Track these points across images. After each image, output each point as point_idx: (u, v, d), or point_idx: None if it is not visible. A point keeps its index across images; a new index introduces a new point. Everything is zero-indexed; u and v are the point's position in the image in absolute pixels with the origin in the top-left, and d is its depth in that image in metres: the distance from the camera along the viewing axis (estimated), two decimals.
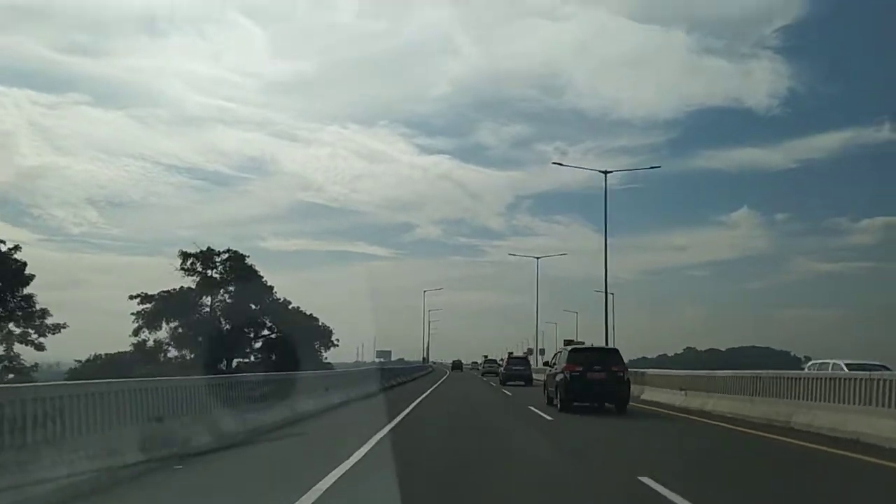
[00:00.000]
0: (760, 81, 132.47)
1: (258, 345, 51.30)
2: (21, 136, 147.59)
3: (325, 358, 55.23)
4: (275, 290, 52.02)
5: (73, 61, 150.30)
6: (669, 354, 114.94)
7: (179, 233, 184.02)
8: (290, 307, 52.75)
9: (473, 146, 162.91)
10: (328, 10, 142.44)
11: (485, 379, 45.60)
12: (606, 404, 16.33)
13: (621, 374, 16.10)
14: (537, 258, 54.79)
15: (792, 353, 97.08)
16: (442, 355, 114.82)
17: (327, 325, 55.57)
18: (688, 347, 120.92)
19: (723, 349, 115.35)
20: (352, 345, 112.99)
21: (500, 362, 49.31)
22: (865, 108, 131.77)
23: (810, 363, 21.49)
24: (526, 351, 63.08)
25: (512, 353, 44.87)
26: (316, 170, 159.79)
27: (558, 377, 16.55)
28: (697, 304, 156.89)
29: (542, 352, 67.28)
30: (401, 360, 70.47)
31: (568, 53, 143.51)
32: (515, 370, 36.08)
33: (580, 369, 16.07)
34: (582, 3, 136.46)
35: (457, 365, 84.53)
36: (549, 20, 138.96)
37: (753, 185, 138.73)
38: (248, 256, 50.14)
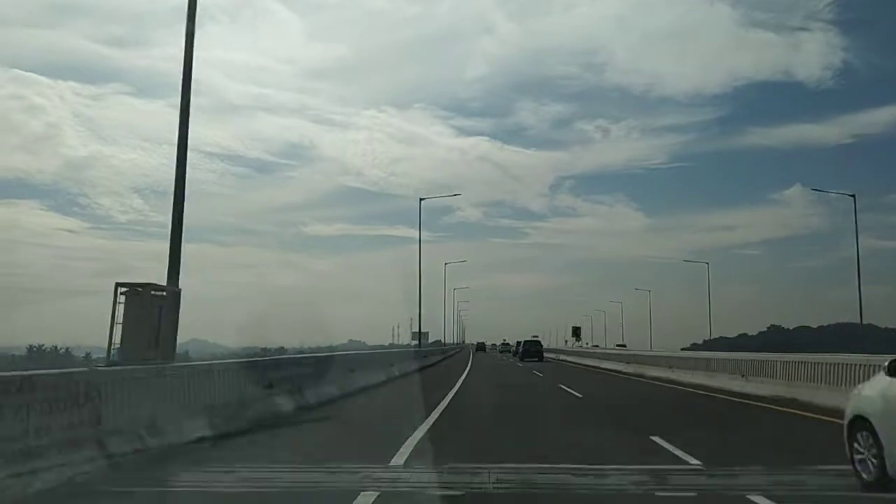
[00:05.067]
0: (812, 54, 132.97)
1: None
2: (67, 128, 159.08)
3: None
4: None
5: (114, 53, 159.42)
6: (751, 333, 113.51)
7: (224, 220, 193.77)
8: None
9: (513, 126, 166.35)
10: None
11: (500, 354, 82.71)
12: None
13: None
14: None
15: None
16: (478, 336, 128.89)
17: None
18: (772, 325, 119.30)
19: (814, 326, 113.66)
20: (388, 326, 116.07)
21: (512, 345, 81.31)
22: None
23: None
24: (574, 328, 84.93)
25: (536, 336, 71.44)
26: (354, 154, 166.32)
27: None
28: (754, 283, 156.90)
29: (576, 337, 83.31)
30: (437, 343, 72.48)
31: (608, 28, 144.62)
32: (531, 349, 54.76)
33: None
34: None
35: (480, 347, 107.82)
36: None
37: (807, 162, 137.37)
38: None
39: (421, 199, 39.41)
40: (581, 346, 68.54)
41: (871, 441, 6.23)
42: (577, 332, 79.83)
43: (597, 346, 78.77)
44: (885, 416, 6.06)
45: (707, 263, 63.72)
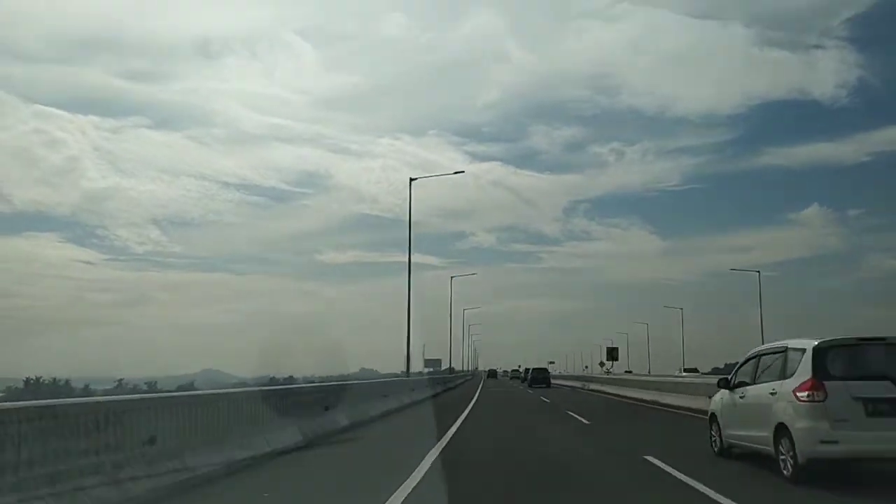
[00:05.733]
0: (827, 72, 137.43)
1: None
2: (86, 161, 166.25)
3: None
4: None
5: (133, 87, 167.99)
6: None
7: (239, 249, 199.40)
8: None
9: (526, 151, 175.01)
10: (376, 24, 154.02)
11: (510, 381, 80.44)
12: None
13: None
14: None
15: None
16: (492, 363, 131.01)
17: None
18: None
19: None
20: (402, 354, 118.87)
21: (522, 372, 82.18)
22: None
23: None
24: (599, 363, 76.70)
25: (552, 361, 73.34)
26: (369, 182, 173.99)
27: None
28: (773, 305, 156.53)
29: (602, 363, 74.91)
30: (448, 370, 74.84)
31: (621, 52, 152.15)
32: (538, 376, 55.79)
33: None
34: (633, 1, 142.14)
35: (492, 373, 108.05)
36: (600, 20, 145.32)
37: (824, 181, 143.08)
38: None
39: (411, 179, 32.83)
40: (609, 372, 59.00)
41: (714, 427, 10.48)
42: (613, 354, 67.33)
43: (629, 371, 69.11)
44: (721, 411, 10.29)
45: (758, 272, 58.72)
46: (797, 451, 7.74)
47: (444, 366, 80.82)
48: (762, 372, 9.15)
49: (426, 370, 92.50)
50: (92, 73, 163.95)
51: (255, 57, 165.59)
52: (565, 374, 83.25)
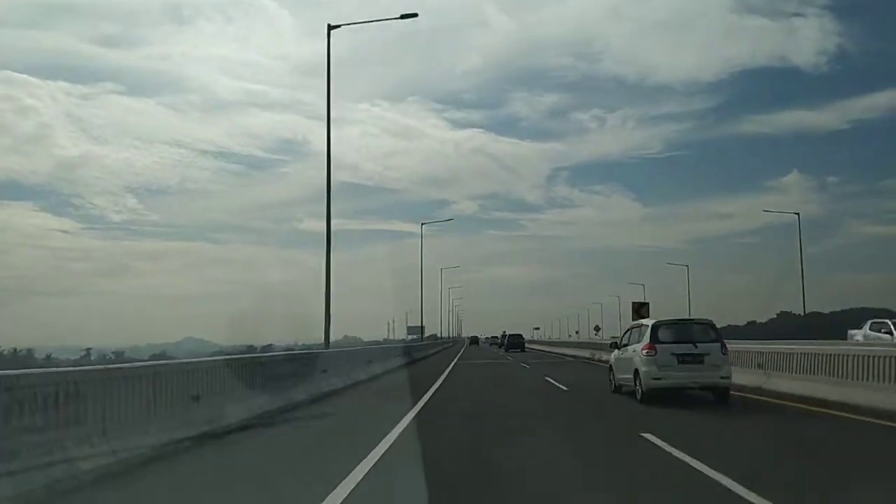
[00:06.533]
0: (807, 39, 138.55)
1: None
2: (58, 128, 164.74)
3: None
4: None
5: (103, 52, 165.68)
6: (762, 321, 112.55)
7: (217, 217, 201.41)
8: None
9: (507, 118, 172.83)
10: None
11: (490, 347, 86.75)
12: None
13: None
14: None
15: None
16: (476, 330, 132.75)
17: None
18: (782, 312, 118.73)
19: (825, 312, 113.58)
20: (383, 321, 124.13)
21: (499, 338, 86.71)
22: None
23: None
24: (594, 327, 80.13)
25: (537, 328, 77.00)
26: (348, 149, 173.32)
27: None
28: (755, 271, 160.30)
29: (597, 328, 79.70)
30: (433, 336, 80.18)
31: (602, 18, 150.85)
32: (514, 341, 62.32)
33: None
34: None
35: (474, 340, 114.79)
36: None
37: (803, 149, 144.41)
38: None
39: (330, 27, 23.09)
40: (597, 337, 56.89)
41: (611, 374, 16.18)
42: (642, 311, 36.45)
43: None
44: (614, 364, 15.97)
45: (798, 214, 51.69)
46: (642, 385, 13.40)
47: (429, 332, 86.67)
48: (631, 338, 14.78)
49: (409, 337, 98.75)
50: (60, 38, 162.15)
51: (230, 22, 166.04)
52: (555, 340, 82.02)
